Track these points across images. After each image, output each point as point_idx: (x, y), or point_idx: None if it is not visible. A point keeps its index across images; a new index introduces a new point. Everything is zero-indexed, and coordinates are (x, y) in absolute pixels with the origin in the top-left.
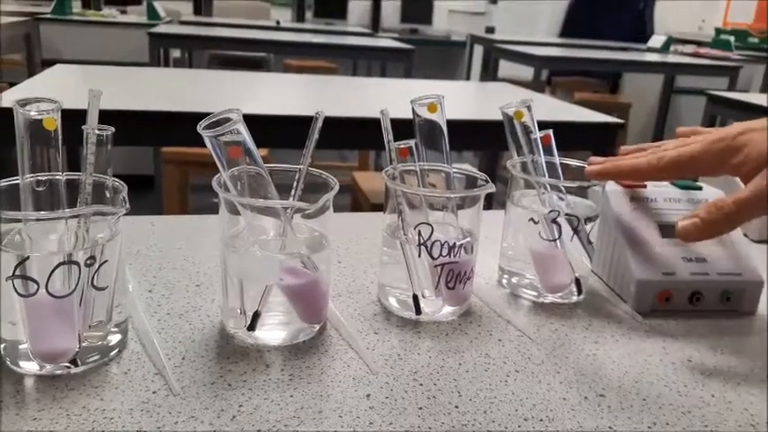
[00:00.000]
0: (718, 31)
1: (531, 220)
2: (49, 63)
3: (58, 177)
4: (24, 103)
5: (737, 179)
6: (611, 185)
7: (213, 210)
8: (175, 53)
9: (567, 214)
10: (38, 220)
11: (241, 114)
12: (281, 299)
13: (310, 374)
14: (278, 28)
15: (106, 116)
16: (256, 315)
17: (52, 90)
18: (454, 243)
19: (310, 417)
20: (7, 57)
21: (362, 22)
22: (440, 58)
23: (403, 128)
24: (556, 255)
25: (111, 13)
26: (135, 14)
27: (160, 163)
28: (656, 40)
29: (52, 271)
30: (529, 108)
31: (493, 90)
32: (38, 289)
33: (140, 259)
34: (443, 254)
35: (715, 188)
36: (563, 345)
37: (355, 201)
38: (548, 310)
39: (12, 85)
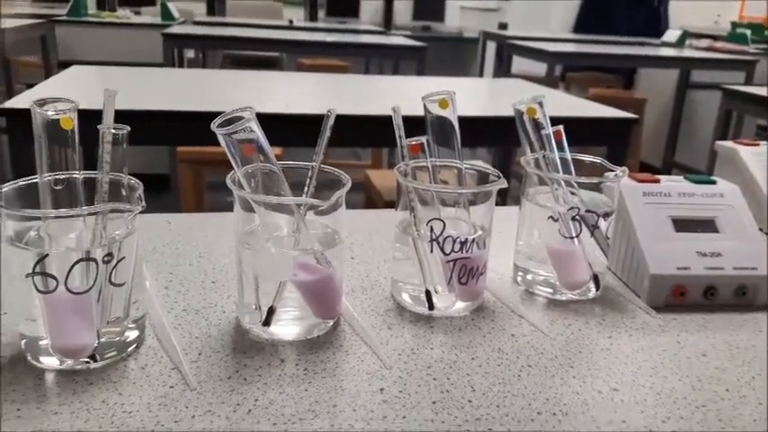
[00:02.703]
0: (734, 25)
1: (551, 217)
2: (65, 64)
3: (75, 176)
4: (42, 103)
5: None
6: (626, 180)
7: (229, 208)
8: (189, 53)
9: (586, 210)
10: (56, 217)
11: (254, 112)
12: (295, 294)
13: (324, 369)
14: (291, 27)
15: (122, 116)
16: (271, 311)
17: (69, 91)
18: (466, 238)
19: (325, 410)
20: (24, 58)
21: (375, 21)
22: (452, 55)
23: (416, 125)
24: (574, 251)
25: (125, 15)
26: (149, 15)
27: (176, 162)
28: (671, 35)
29: (71, 268)
30: (541, 104)
31: (506, 86)
32: (57, 286)
33: (157, 256)
34: (456, 249)
35: (730, 183)
36: (576, 340)
37: (369, 199)
38: (561, 305)
39: (29, 86)
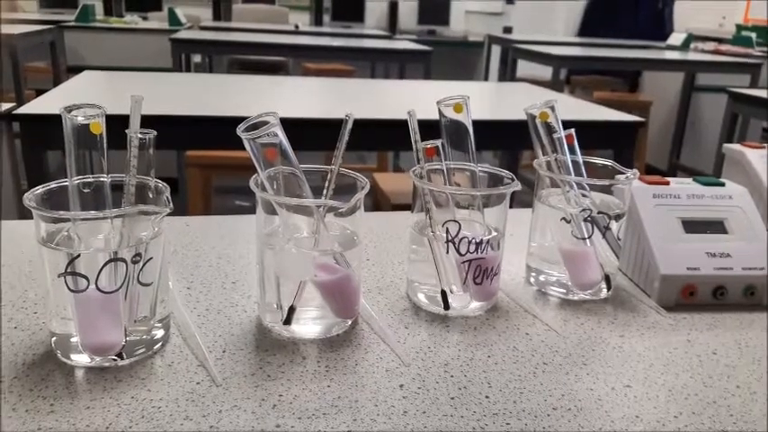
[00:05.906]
0: (740, 28)
1: (564, 219)
2: (73, 69)
3: (103, 179)
4: (70, 108)
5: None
6: (636, 182)
7: (236, 211)
8: (196, 58)
9: (598, 212)
10: (85, 219)
11: (278, 117)
12: (315, 294)
13: (345, 366)
14: (296, 32)
15: None
16: (292, 310)
17: (83, 96)
18: (481, 239)
19: (347, 405)
20: (33, 64)
21: (380, 25)
22: (458, 59)
23: (426, 128)
24: (587, 252)
25: (133, 20)
26: (156, 20)
27: (184, 166)
28: (676, 38)
29: (101, 268)
30: (553, 109)
31: (512, 90)
32: (87, 285)
33: (177, 258)
34: (471, 250)
35: (738, 185)
36: (589, 338)
37: (376, 201)
38: (574, 305)
39: (38, 91)
